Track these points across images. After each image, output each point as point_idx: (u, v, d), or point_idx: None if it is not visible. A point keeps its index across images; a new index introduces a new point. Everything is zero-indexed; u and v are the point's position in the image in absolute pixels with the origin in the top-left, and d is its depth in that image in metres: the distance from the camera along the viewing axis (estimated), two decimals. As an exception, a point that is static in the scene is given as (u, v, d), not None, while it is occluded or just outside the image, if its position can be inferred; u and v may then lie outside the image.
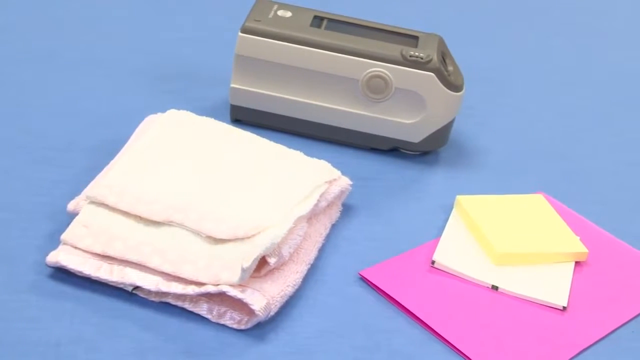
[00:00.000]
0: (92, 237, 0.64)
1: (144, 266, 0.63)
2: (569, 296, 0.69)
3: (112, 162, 0.72)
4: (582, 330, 0.66)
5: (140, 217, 0.65)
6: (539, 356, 0.63)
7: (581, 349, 0.65)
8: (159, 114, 0.78)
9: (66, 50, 0.90)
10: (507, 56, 1.02)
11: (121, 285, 0.63)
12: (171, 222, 0.65)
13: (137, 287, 0.63)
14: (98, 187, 0.67)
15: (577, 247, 0.73)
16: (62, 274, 0.64)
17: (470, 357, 0.63)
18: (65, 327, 0.60)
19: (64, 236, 0.64)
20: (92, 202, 0.66)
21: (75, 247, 0.64)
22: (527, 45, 1.05)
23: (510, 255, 0.71)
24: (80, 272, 0.63)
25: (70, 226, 0.65)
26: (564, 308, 0.68)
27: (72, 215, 0.67)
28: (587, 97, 0.97)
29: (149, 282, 0.62)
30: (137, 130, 0.75)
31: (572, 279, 0.71)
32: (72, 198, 0.69)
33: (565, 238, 0.73)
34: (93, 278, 0.63)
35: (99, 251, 0.63)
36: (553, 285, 0.70)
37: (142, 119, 0.79)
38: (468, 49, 1.02)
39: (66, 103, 0.82)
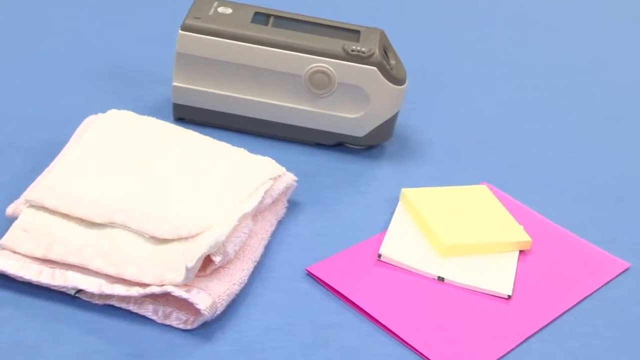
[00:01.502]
0: (32, 241, 0.63)
1: (86, 269, 0.62)
2: (514, 285, 0.70)
3: (51, 164, 0.71)
4: (527, 318, 0.67)
5: (81, 219, 0.64)
6: (486, 345, 0.64)
7: (526, 336, 0.66)
8: (100, 114, 0.76)
9: (2, 49, 0.88)
10: (449, 49, 1.03)
11: (63, 289, 0.62)
12: (113, 223, 0.64)
13: (79, 291, 0.62)
14: (38, 190, 0.66)
15: (521, 236, 0.73)
16: (2, 280, 0.62)
17: (418, 349, 0.63)
18: (6, 334, 0.59)
19: (2, 241, 0.63)
20: (32, 206, 0.65)
21: (15, 252, 0.62)
22: (467, 37, 1.06)
23: (456, 247, 0.71)
24: (21, 277, 0.61)
25: (9, 231, 0.63)
26: (509, 297, 0.69)
27: (11, 220, 0.66)
28: (527, 87, 0.98)
29: (92, 285, 0.61)
30: (77, 131, 0.74)
31: (517, 267, 0.72)
32: (10, 202, 0.68)
33: (509, 227, 0.74)
34: (34, 283, 0.62)
35: (39, 255, 0.62)
36: (498, 275, 0.70)
37: (82, 119, 0.78)
38: (410, 42, 1.03)
39: (3, 104, 0.80)
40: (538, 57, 1.05)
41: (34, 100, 0.82)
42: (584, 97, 0.98)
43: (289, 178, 0.73)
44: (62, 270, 0.62)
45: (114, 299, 0.62)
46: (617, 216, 0.80)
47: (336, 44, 0.79)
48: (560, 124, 0.93)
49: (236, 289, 0.63)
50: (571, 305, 0.69)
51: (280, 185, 0.72)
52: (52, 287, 0.62)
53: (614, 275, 0.73)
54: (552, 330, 0.67)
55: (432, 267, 0.70)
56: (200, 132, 0.81)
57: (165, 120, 0.77)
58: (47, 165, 0.72)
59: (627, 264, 0.75)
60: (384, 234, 0.73)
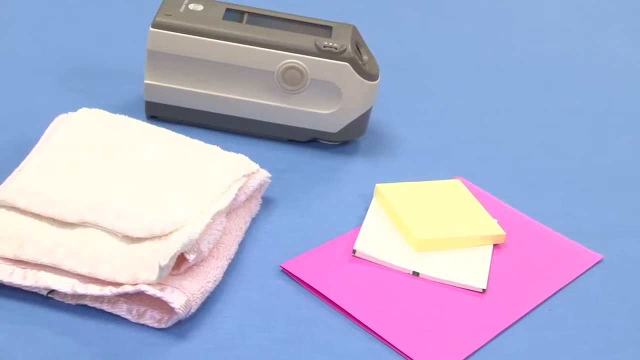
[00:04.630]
0: (3, 241, 0.62)
1: (59, 269, 0.61)
2: (488, 279, 0.70)
3: (22, 164, 0.70)
4: (501, 311, 0.68)
5: (53, 219, 0.64)
6: (460, 339, 0.64)
7: (500, 329, 0.66)
8: (70, 113, 0.76)
9: (-29, 50, 0.87)
10: (421, 43, 1.03)
11: (35, 290, 0.61)
12: (85, 222, 0.63)
13: (52, 291, 0.61)
14: (8, 190, 0.65)
15: (495, 230, 0.74)
16: (-27, 281, 0.62)
17: (393, 344, 0.63)
18: (-22, 336, 0.58)
19: (-27, 242, 0.62)
20: (2, 206, 0.64)
21: (-14, 253, 0.62)
22: (439, 31, 1.07)
23: (430, 241, 0.71)
24: (-8, 279, 0.61)
25: (-21, 232, 0.63)
26: (484, 290, 0.69)
27: (-18, 221, 0.65)
28: (499, 81, 0.99)
29: (65, 285, 0.60)
30: (48, 130, 0.73)
31: (491, 261, 0.72)
32: (-19, 202, 0.67)
33: (483, 221, 0.74)
34: (5, 284, 0.61)
35: (10, 256, 0.61)
36: (472, 269, 0.71)
37: (51, 119, 0.77)
38: (382, 37, 1.03)
39: (-27, 105, 0.79)
40: (507, 51, 1.05)
41: (1, 101, 0.81)
42: (552, 89, 0.99)
43: (263, 175, 0.73)
44: (34, 271, 0.61)
45: (87, 298, 0.61)
46: (587, 208, 0.81)
47: (308, 40, 0.79)
48: (529, 116, 0.93)
49: (210, 286, 0.63)
50: (545, 298, 0.70)
51: (254, 182, 0.71)
52: (24, 288, 0.61)
53: (587, 268, 0.74)
54: (526, 324, 0.67)
55: (406, 262, 0.70)
56: (173, 130, 0.80)
57: (137, 118, 0.77)
58: (15, 166, 0.71)
59: (599, 256, 0.75)
60: (359, 229, 0.73)
